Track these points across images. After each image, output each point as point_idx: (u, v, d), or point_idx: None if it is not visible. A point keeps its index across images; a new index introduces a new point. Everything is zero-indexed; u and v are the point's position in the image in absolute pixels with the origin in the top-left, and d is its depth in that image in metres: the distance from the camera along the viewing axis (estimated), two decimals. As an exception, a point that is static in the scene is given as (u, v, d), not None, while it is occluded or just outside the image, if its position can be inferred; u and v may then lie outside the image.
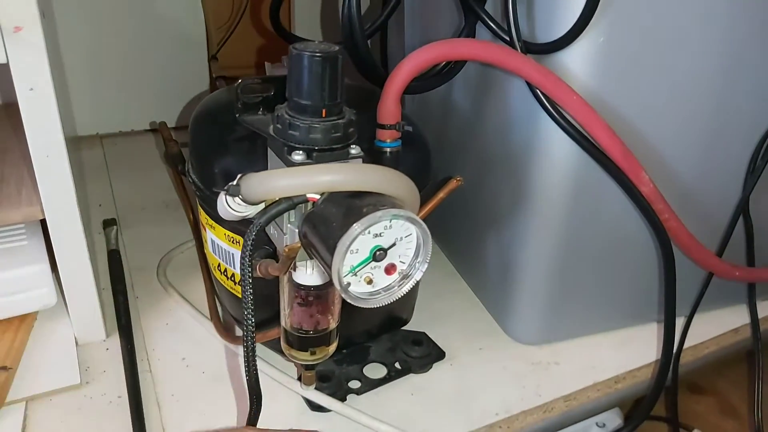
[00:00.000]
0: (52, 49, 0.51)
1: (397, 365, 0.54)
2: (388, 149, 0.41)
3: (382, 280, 0.34)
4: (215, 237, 0.50)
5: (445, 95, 0.60)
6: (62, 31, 0.85)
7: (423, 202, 0.45)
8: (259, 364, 0.53)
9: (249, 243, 0.33)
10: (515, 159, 0.51)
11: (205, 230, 0.52)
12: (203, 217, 0.51)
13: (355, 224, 0.31)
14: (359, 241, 0.32)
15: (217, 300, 0.60)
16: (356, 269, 0.33)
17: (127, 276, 0.65)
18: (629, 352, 0.59)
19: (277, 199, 0.33)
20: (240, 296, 0.51)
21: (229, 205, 0.34)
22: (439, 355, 0.56)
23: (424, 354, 0.56)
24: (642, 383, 0.58)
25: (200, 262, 0.65)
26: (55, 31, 0.79)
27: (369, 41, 0.51)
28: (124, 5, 0.89)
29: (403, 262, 0.34)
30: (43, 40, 0.43)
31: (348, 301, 0.33)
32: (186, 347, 0.57)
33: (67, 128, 0.63)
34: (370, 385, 0.52)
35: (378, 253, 0.33)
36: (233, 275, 0.50)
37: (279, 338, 0.44)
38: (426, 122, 0.65)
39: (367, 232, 0.32)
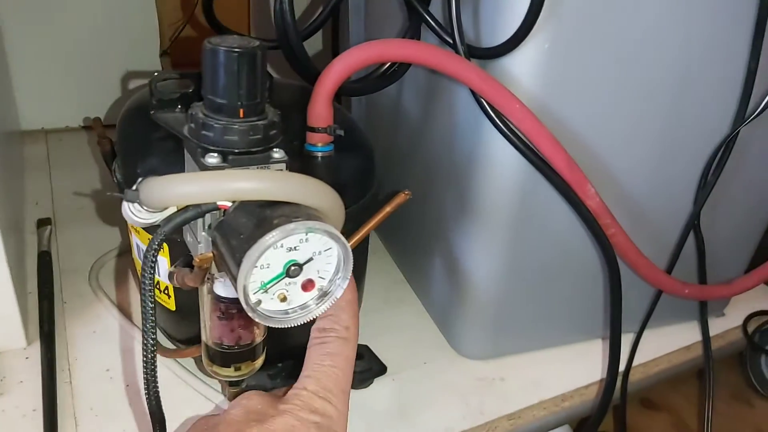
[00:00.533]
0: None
1: (334, 380, 0.52)
2: (320, 154, 0.39)
3: (299, 298, 0.31)
4: (140, 242, 0.47)
5: (395, 99, 0.58)
6: (9, 24, 0.81)
7: (367, 212, 0.42)
8: (184, 375, 0.51)
9: (150, 253, 0.30)
10: (460, 168, 0.49)
11: (131, 235, 0.48)
12: (129, 220, 0.48)
13: (265, 236, 0.28)
14: (270, 255, 0.29)
15: (148, 308, 0.56)
16: (267, 285, 0.30)
17: (57, 279, 0.62)
18: (578, 368, 0.58)
19: (182, 206, 0.31)
20: (167, 306, 0.49)
21: (131, 211, 0.31)
22: (381, 369, 0.54)
23: (364, 368, 0.53)
24: (590, 401, 0.56)
25: (134, 268, 0.62)
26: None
27: (320, 36, 0.49)
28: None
29: (323, 278, 0.32)
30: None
31: (257, 320, 0.30)
32: (112, 358, 0.53)
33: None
34: (304, 401, 0.49)
35: (292, 268, 0.30)
36: (158, 283, 0.47)
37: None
38: (375, 127, 0.62)
39: (279, 245, 0.29)
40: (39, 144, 0.88)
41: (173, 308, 0.48)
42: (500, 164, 0.45)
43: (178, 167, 0.37)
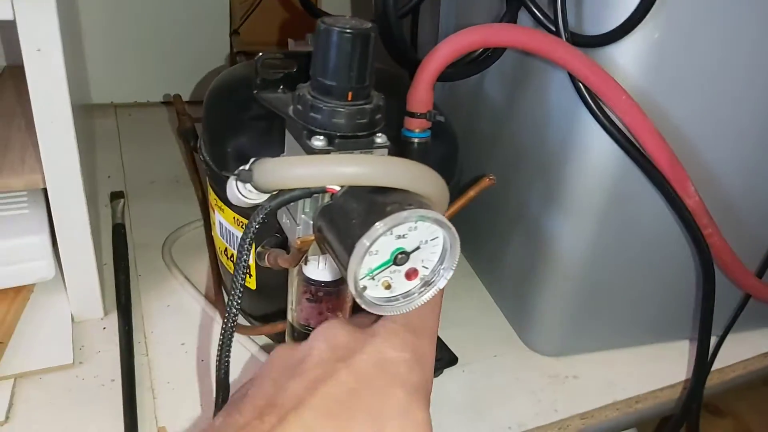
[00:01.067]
0: (65, 10, 0.48)
1: (406, 368, 0.51)
2: (416, 140, 0.38)
3: (402, 286, 0.31)
4: (223, 220, 0.47)
5: (476, 85, 0.57)
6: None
7: (451, 200, 0.41)
8: (257, 352, 0.51)
9: (252, 228, 0.30)
10: (549, 157, 0.47)
11: (214, 212, 0.49)
12: (212, 197, 0.48)
13: (377, 223, 0.27)
14: (380, 243, 0.28)
15: (222, 285, 0.57)
16: (374, 272, 0.29)
17: (131, 252, 0.63)
18: (652, 370, 0.56)
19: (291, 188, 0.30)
20: (247, 285, 0.49)
21: (239, 191, 0.31)
22: (452, 359, 0.53)
23: (436, 358, 0.52)
24: (663, 404, 0.55)
25: (207, 244, 0.62)
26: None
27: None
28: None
29: (426, 267, 0.31)
30: (52, -5, 0.40)
31: (363, 306, 0.30)
32: (186, 332, 0.54)
33: (78, 95, 0.61)
34: (377, 387, 0.49)
35: (399, 256, 0.29)
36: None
37: (284, 332, 0.41)
38: (454, 113, 0.61)
39: (389, 233, 0.28)
40: (108, 118, 0.90)
41: (254, 287, 0.48)
42: (594, 155, 0.44)
43: (270, 148, 0.37)
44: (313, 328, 0.39)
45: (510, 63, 0.51)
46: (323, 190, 0.31)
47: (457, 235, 0.30)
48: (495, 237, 0.57)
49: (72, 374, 0.49)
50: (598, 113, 0.40)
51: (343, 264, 0.29)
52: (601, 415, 0.52)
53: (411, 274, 0.31)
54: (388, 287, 0.30)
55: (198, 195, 0.67)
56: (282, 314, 0.44)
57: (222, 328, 0.32)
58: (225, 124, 0.44)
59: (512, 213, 0.54)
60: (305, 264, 0.37)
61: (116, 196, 0.70)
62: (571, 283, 0.51)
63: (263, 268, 0.39)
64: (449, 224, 0.29)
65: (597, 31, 0.40)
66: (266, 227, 0.44)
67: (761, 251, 0.52)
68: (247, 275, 0.48)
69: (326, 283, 0.37)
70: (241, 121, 0.43)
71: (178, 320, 0.56)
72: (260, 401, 0.28)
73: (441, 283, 0.31)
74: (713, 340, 0.57)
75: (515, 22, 0.45)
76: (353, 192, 0.30)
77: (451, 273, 0.31)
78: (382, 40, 0.42)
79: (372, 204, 0.29)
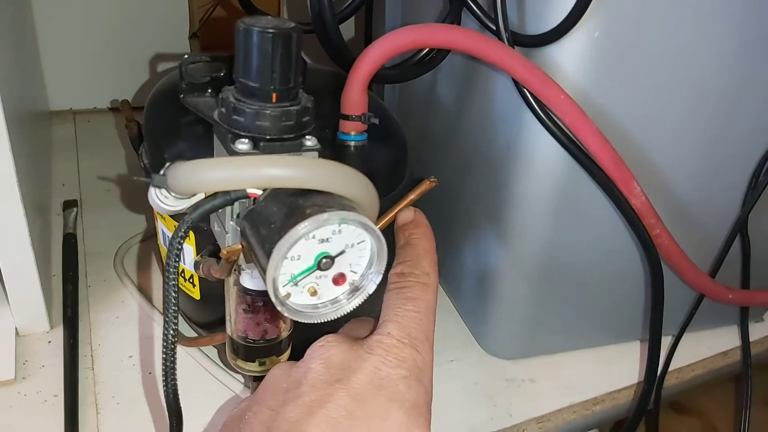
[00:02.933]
0: (3, 21, 0.47)
1: (359, 376, 0.50)
2: (353, 143, 0.37)
3: (329, 292, 0.30)
4: (165, 228, 0.46)
5: (429, 87, 0.56)
6: (39, 2, 0.81)
7: (395, 202, 0.41)
8: (206, 364, 0.50)
9: (176, 241, 0.29)
10: (497, 161, 0.47)
11: (157, 221, 0.47)
12: (155, 205, 0.47)
13: (296, 226, 0.27)
14: (301, 247, 0.28)
15: (172, 295, 0.55)
16: (298, 278, 0.29)
17: (82, 263, 0.61)
18: (611, 371, 0.55)
19: (211, 193, 0.29)
20: (191, 295, 0.48)
21: (157, 198, 0.30)
22: (406, 366, 0.52)
23: (389, 365, 0.52)
24: (623, 406, 0.54)
25: (158, 254, 0.61)
26: (25, 2, 0.75)
27: (352, 21, 0.47)
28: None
29: (355, 272, 0.30)
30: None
31: (286, 315, 0.29)
32: (135, 344, 0.53)
33: (23, 102, 0.59)
34: (328, 396, 0.48)
35: (324, 261, 0.29)
36: (183, 271, 0.46)
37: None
38: (407, 116, 0.61)
39: (311, 236, 0.28)
40: (67, 125, 0.88)
41: (198, 297, 0.47)
42: (540, 157, 0.43)
43: (208, 153, 0.36)
44: (252, 340, 0.38)
45: (460, 64, 0.50)
46: (245, 196, 0.30)
47: (383, 239, 0.29)
48: (450, 241, 0.57)
49: (14, 390, 0.48)
50: (541, 114, 0.40)
51: (262, 270, 0.28)
52: (557, 418, 0.52)
53: (339, 279, 0.30)
54: (314, 293, 0.30)
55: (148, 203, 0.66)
56: (221, 323, 0.43)
57: (163, 351, 0.31)
58: (162, 130, 0.43)
59: (465, 217, 0.54)
60: (239, 274, 0.35)
61: (69, 204, 0.68)
62: (525, 286, 0.50)
63: (206, 279, 0.38)
64: (374, 227, 0.28)
65: (538, 31, 0.40)
66: (207, 235, 0.43)
67: (714, 251, 0.52)
68: (191, 285, 0.47)
69: (263, 293, 0.36)
70: (178, 126, 0.42)
71: (127, 332, 0.54)
72: (258, 430, 0.28)
73: (370, 288, 0.30)
74: (670, 340, 0.57)
75: (458, 22, 0.45)
76: (274, 195, 0.29)
77: (380, 277, 0.30)
78: (320, 41, 0.42)
79: (292, 207, 0.28)
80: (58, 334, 0.53)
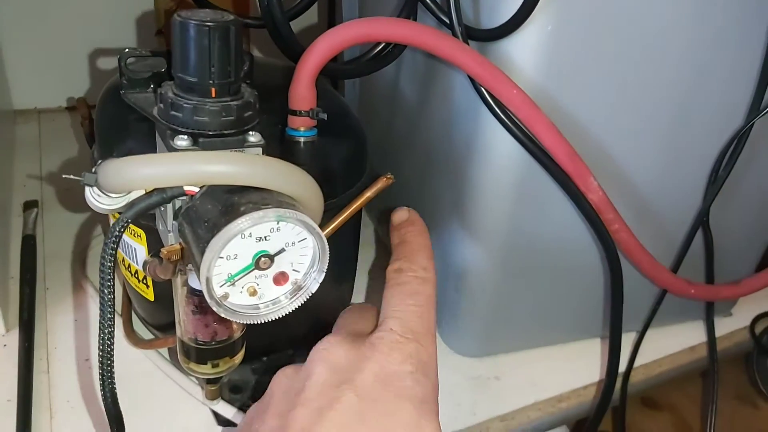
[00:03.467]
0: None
1: (321, 376, 0.50)
2: (302, 139, 0.36)
3: (270, 292, 0.29)
4: (118, 228, 0.45)
5: (392, 83, 0.55)
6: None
7: (352, 200, 0.40)
8: (163, 366, 0.49)
9: (110, 242, 0.28)
10: (457, 157, 0.46)
11: (110, 221, 0.46)
12: (108, 205, 0.46)
13: (229, 224, 0.26)
14: (237, 245, 0.27)
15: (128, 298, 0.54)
16: (235, 278, 0.28)
17: (40, 265, 0.60)
18: (576, 368, 0.55)
19: (146, 190, 0.28)
20: (145, 296, 0.47)
21: (92, 196, 0.29)
22: (369, 365, 0.52)
23: (352, 364, 0.51)
24: (588, 402, 0.54)
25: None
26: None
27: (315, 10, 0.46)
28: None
29: (297, 271, 0.30)
30: None
31: (223, 316, 0.28)
32: (92, 347, 0.52)
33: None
34: (288, 397, 0.47)
35: (262, 260, 0.28)
36: (137, 272, 0.45)
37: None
38: (370, 112, 0.60)
39: (247, 234, 0.27)
40: (31, 124, 0.86)
41: (152, 298, 0.46)
42: (498, 153, 0.42)
43: (155, 150, 0.35)
44: (203, 342, 0.37)
45: (421, 59, 0.50)
46: (183, 194, 0.29)
47: (324, 237, 0.29)
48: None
49: (-35, 395, 0.46)
50: (496, 109, 0.39)
51: (197, 268, 0.27)
52: (522, 416, 0.51)
53: (280, 279, 0.29)
54: (254, 293, 0.29)
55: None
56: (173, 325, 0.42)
57: (99, 355, 0.30)
58: (111, 127, 0.42)
59: (428, 215, 0.53)
60: (187, 274, 0.35)
61: (29, 205, 0.66)
62: (489, 282, 0.50)
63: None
64: (313, 224, 0.28)
65: (492, 25, 0.39)
66: (158, 234, 0.41)
67: (676, 246, 0.52)
68: (145, 285, 0.46)
69: (208, 292, 0.35)
70: (126, 124, 0.41)
71: (85, 335, 0.53)
72: None
73: (313, 287, 0.30)
74: (635, 336, 0.56)
75: (415, 16, 0.44)
76: (210, 193, 0.28)
77: (323, 276, 0.30)
78: (270, 35, 0.41)
79: (227, 205, 0.27)
80: (14, 337, 0.51)
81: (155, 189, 0.29)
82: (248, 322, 0.29)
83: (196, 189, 0.29)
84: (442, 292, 0.53)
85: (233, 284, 0.28)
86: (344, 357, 0.30)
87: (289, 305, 0.29)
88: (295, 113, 0.35)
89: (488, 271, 0.49)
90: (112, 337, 0.30)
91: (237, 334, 0.38)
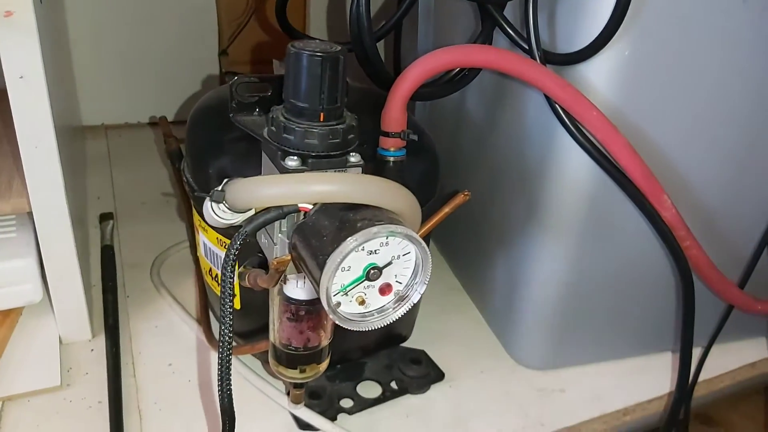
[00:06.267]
0: (49, 36, 0.49)
1: (393, 384, 0.52)
2: (392, 158, 0.39)
3: (376, 301, 0.31)
4: (207, 240, 0.47)
5: (458, 103, 0.57)
6: (71, 18, 0.83)
7: (428, 216, 0.42)
8: (246, 374, 0.51)
9: (232, 253, 0.31)
10: (529, 174, 0.48)
11: (198, 233, 0.49)
12: (196, 218, 0.49)
13: (348, 239, 0.28)
14: (352, 258, 0.29)
15: (209, 305, 0.57)
16: (348, 288, 0.30)
17: (119, 273, 0.63)
18: (639, 382, 0.56)
19: (264, 207, 0.31)
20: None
21: (214, 212, 0.31)
22: (438, 375, 0.53)
23: (422, 374, 0.53)
24: (651, 416, 0.55)
25: (195, 264, 0.63)
26: (62, 17, 0.78)
27: (381, 42, 0.48)
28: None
29: (400, 282, 0.32)
30: (35, 26, 0.41)
31: (337, 322, 0.30)
32: (174, 352, 0.54)
33: (65, 118, 0.61)
34: (363, 404, 0.50)
35: (372, 271, 0.30)
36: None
37: (266, 351, 0.42)
38: (438, 131, 0.62)
39: (360, 248, 0.29)
40: (99, 139, 0.91)
41: (238, 307, 0.48)
42: (572, 172, 0.44)
43: (250, 169, 0.37)
44: (295, 348, 0.40)
45: (489, 82, 0.52)
46: (296, 210, 0.31)
47: (427, 250, 0.30)
48: (480, 254, 0.58)
49: (59, 396, 0.49)
50: (573, 130, 0.41)
51: (315, 280, 0.29)
52: (588, 428, 0.52)
53: (385, 290, 0.31)
54: (363, 303, 0.31)
55: (185, 216, 0.68)
56: (266, 332, 0.44)
57: (218, 354, 0.33)
58: (206, 146, 0.45)
59: (496, 229, 0.55)
60: (285, 283, 0.37)
61: (105, 217, 0.70)
62: (555, 297, 0.51)
63: (246, 288, 0.39)
64: (419, 239, 0.30)
65: (569, 49, 0.41)
66: (248, 247, 0.44)
67: (743, 263, 0.52)
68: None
69: (306, 302, 0.38)
70: (221, 143, 0.44)
71: (166, 341, 0.56)
72: None
73: (415, 298, 0.32)
74: (699, 351, 0.57)
75: (490, 41, 0.46)
76: (325, 210, 0.31)
77: (424, 287, 0.32)
78: (359, 61, 0.43)
79: (343, 221, 0.29)
80: (100, 342, 0.54)
81: (272, 206, 0.31)
82: (358, 329, 0.31)
83: (310, 206, 0.31)
84: (509, 306, 0.55)
85: (345, 294, 0.30)
86: None
87: (393, 314, 0.31)
88: (387, 134, 0.37)
89: (557, 286, 0.50)
90: (230, 342, 0.32)
91: (325, 342, 0.40)
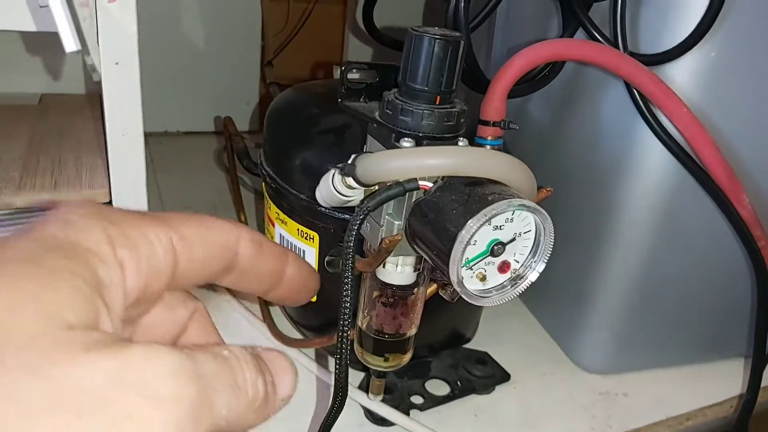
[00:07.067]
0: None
1: (459, 383, 0.52)
2: (489, 147, 0.39)
3: (495, 279, 0.32)
4: (285, 232, 0.48)
5: (519, 106, 0.58)
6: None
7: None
8: (317, 370, 0.51)
9: (356, 226, 0.31)
10: (601, 177, 0.49)
11: (273, 226, 0.49)
12: (273, 212, 0.49)
13: (482, 211, 0.29)
14: (479, 232, 0.29)
15: (267, 301, 0.57)
16: (471, 263, 0.30)
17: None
18: (700, 387, 0.56)
19: (390, 182, 0.31)
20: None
21: (335, 188, 0.32)
22: (504, 377, 0.53)
23: (488, 374, 0.53)
24: (712, 422, 0.55)
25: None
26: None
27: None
28: (177, 3, 0.88)
29: (518, 261, 0.32)
30: (135, 12, 0.42)
31: (463, 296, 0.30)
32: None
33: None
34: (434, 401, 0.49)
35: (496, 247, 0.30)
36: (301, 274, 0.48)
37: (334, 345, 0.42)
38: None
39: (488, 223, 0.30)
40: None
41: (314, 299, 0.48)
42: (650, 170, 0.45)
43: (338, 159, 0.38)
44: (384, 334, 0.40)
45: (557, 84, 0.53)
46: (417, 188, 0.32)
47: (552, 227, 0.31)
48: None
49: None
50: (657, 128, 0.42)
51: (444, 253, 0.30)
52: (653, 431, 0.52)
53: (503, 267, 0.32)
54: (483, 279, 0.31)
55: (239, 218, 0.68)
56: (335, 325, 0.45)
57: (338, 336, 0.33)
58: (291, 140, 0.46)
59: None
60: (384, 267, 0.37)
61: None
62: (623, 299, 0.51)
63: (324, 280, 0.39)
64: (545, 213, 0.30)
65: (652, 50, 0.42)
66: (333, 237, 0.45)
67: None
68: (308, 287, 0.48)
69: (402, 287, 0.38)
70: (307, 135, 0.45)
71: (226, 337, 0.55)
72: None
73: (533, 277, 0.32)
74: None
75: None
76: (448, 186, 0.31)
77: (543, 266, 0.32)
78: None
79: (471, 195, 0.30)
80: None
81: (393, 183, 0.32)
82: (480, 305, 0.31)
83: (430, 184, 0.32)
84: (572, 309, 0.55)
85: (470, 268, 0.30)
86: None
87: (511, 292, 0.32)
88: (486, 123, 0.38)
89: (626, 290, 0.51)
90: (350, 318, 0.32)
91: (413, 331, 0.41)
